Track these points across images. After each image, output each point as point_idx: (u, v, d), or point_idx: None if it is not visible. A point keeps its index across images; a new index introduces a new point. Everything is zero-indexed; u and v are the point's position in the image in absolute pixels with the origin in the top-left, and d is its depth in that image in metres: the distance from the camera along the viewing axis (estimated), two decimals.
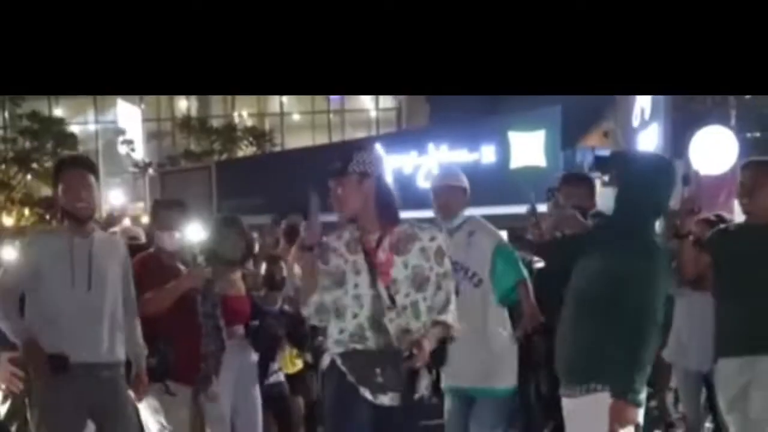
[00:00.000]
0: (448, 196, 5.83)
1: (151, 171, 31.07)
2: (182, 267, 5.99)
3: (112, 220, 7.64)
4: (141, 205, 34.77)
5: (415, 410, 4.04)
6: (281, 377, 7.43)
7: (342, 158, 4.15)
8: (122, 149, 35.55)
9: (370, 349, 3.97)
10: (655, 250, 4.46)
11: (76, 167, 5.27)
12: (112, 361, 5.11)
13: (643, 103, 21.13)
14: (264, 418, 6.84)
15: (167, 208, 6.14)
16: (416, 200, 18.55)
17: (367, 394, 3.98)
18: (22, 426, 5.93)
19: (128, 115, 34.85)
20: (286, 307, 7.14)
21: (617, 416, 4.22)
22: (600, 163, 5.29)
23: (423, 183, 20.26)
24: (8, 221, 27.18)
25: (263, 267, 7.35)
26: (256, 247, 7.31)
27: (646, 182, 4.52)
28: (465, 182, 5.90)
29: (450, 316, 4.06)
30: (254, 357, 6.49)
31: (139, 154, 35.26)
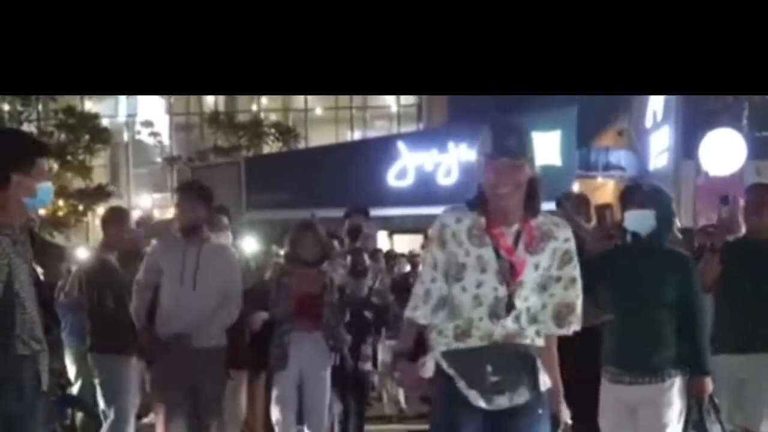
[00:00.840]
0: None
1: (180, 164, 31.69)
2: None
3: (143, 222, 7.84)
4: (167, 195, 35.43)
5: (538, 409, 3.44)
6: (369, 366, 7.67)
7: (517, 134, 3.31)
8: (150, 141, 36.21)
9: (477, 345, 3.39)
10: (690, 258, 5.01)
11: (188, 194, 6.05)
12: (206, 347, 5.82)
13: (655, 105, 21.50)
14: (346, 401, 7.37)
15: (218, 212, 6.73)
16: (437, 197, 19.12)
17: (480, 402, 3.40)
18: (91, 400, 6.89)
19: (154, 107, 35.40)
20: (374, 299, 7.60)
21: (701, 390, 4.76)
22: (637, 195, 5.50)
23: (443, 180, 20.72)
24: (43, 212, 27.77)
25: (348, 259, 7.63)
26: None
27: (671, 210, 5.06)
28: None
29: (571, 328, 3.46)
30: (324, 348, 6.65)
31: (168, 146, 35.93)
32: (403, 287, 8.53)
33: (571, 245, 3.40)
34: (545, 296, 3.40)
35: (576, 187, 21.62)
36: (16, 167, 3.65)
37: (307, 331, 6.50)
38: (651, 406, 4.66)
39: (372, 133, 33.94)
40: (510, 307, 3.33)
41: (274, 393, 6.55)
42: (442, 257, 3.41)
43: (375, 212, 19.91)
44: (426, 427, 3.78)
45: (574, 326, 3.44)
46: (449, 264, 3.39)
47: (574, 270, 3.40)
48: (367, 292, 7.48)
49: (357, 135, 34.98)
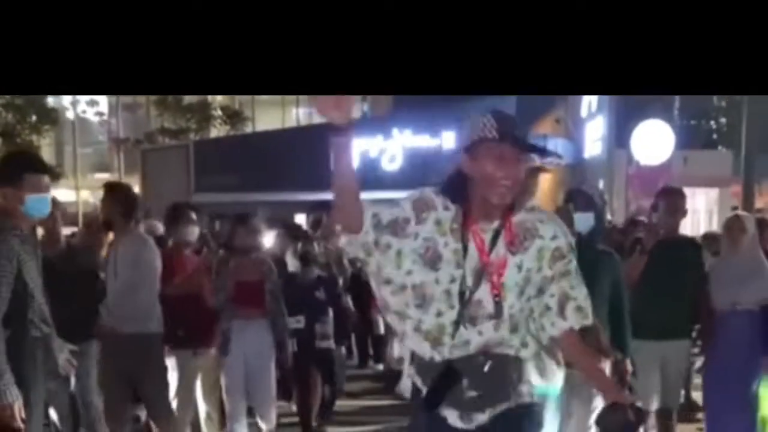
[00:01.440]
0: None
1: (128, 145, 31.59)
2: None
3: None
4: (114, 176, 35.30)
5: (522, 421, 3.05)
6: (331, 344, 7.79)
7: (517, 128, 2.86)
8: (95, 120, 35.94)
9: (449, 359, 2.96)
10: (617, 257, 5.53)
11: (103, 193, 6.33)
12: (130, 333, 6.00)
13: (590, 96, 22.09)
14: (312, 380, 7.59)
15: (189, 209, 7.09)
16: (382, 182, 19.48)
17: (457, 422, 3.01)
18: None
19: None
20: (322, 273, 7.82)
21: (624, 371, 5.27)
22: (582, 198, 5.77)
23: (388, 166, 21.07)
24: None
25: (299, 246, 7.90)
26: (265, 241, 7.86)
27: (605, 211, 5.57)
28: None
29: (576, 319, 3.02)
30: (267, 335, 6.75)
31: (114, 126, 35.74)
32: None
33: (561, 242, 2.98)
34: (546, 298, 2.99)
35: None
36: (6, 181, 4.33)
37: (248, 318, 6.62)
38: (585, 388, 4.88)
39: (318, 118, 34.04)
40: (497, 312, 2.93)
41: (223, 382, 6.69)
42: (419, 236, 2.94)
43: (321, 196, 20.31)
44: None
45: (582, 319, 3.01)
46: (425, 247, 2.93)
47: (568, 265, 2.99)
48: (315, 276, 7.68)
49: (302, 118, 35.16)
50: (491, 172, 2.82)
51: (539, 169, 4.59)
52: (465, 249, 2.92)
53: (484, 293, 2.92)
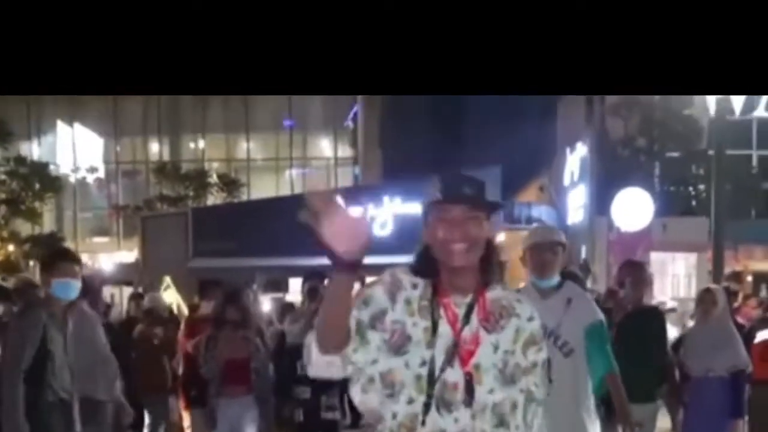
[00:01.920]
0: (548, 253, 4.73)
1: (128, 212, 32.04)
2: None
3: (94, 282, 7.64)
4: (113, 239, 35.78)
5: None
6: (337, 415, 7.50)
7: (470, 183, 2.61)
8: (95, 187, 36.44)
9: None
10: None
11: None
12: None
13: (572, 165, 22.75)
14: None
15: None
16: (374, 247, 20.11)
17: None
18: None
19: (100, 153, 35.61)
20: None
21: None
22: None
23: (379, 231, 21.53)
24: None
25: (302, 321, 7.76)
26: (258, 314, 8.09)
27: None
28: (564, 239, 4.92)
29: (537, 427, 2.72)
30: (252, 411, 6.74)
31: (114, 192, 36.29)
32: None
33: (536, 325, 2.72)
34: (514, 391, 2.65)
35: (502, 238, 22.72)
36: (44, 268, 5.29)
37: (234, 396, 6.63)
38: None
39: (309, 178, 34.87)
40: (470, 395, 2.60)
41: None
42: (386, 323, 2.63)
43: (314, 261, 20.73)
44: None
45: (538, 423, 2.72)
46: (392, 331, 2.63)
47: (538, 354, 2.70)
48: None
49: (297, 184, 35.75)
50: (441, 236, 2.58)
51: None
52: (435, 326, 2.63)
53: (456, 374, 2.61)
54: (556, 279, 4.80)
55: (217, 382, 6.63)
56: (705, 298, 6.85)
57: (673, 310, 8.55)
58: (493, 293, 2.71)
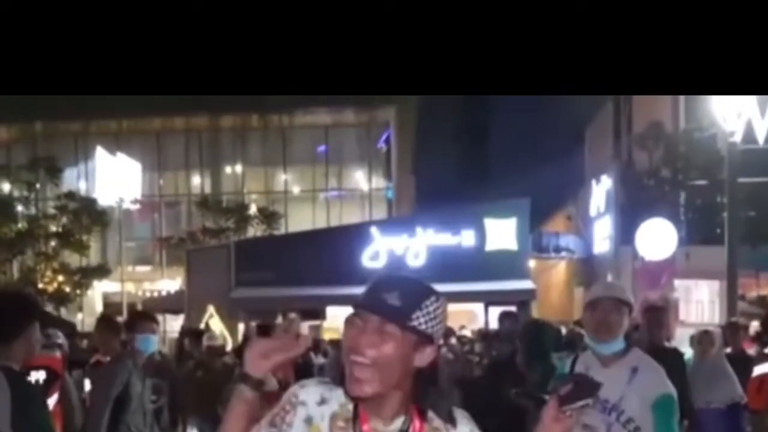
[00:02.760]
0: (610, 313, 4.01)
1: (172, 243, 32.88)
2: None
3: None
4: (153, 268, 36.95)
5: None
6: None
7: (402, 293, 2.07)
8: (138, 218, 37.38)
9: None
10: None
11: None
12: None
13: (598, 198, 23.24)
14: None
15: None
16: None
17: None
18: None
19: (144, 187, 36.46)
20: None
21: None
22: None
23: (413, 262, 22.13)
24: (49, 287, 29.21)
25: None
26: None
27: None
28: (631, 299, 4.15)
29: None
30: None
31: (157, 223, 37.23)
32: None
33: None
34: None
35: (531, 265, 23.24)
36: (128, 326, 6.20)
37: None
38: None
39: (346, 213, 35.50)
40: None
41: None
42: None
43: (351, 291, 21.32)
44: None
45: None
46: None
47: None
48: None
49: (333, 214, 36.43)
50: (345, 347, 2.10)
51: None
52: None
53: None
54: (619, 344, 4.05)
55: None
56: (703, 340, 7.64)
57: None
58: (429, 416, 2.17)
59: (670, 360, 7.06)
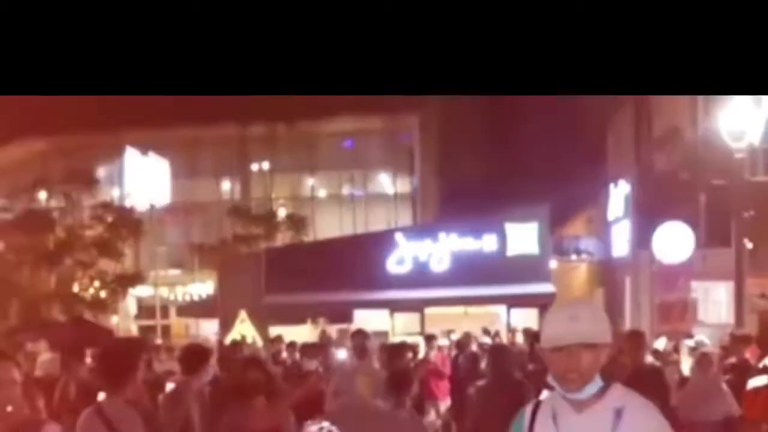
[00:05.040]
0: (580, 357, 2.84)
1: (204, 250, 33.59)
2: None
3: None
4: (184, 272, 37.59)
5: None
6: None
7: None
8: (169, 223, 38.08)
9: None
10: None
11: None
12: None
13: (616, 203, 23.56)
14: None
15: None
16: (431, 281, 21.09)
17: None
18: None
19: (175, 193, 37.07)
20: None
21: None
22: None
23: (436, 267, 22.57)
24: (86, 294, 30.01)
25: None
26: None
27: None
28: (608, 333, 3.01)
29: None
30: None
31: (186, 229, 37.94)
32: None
33: None
34: None
35: (553, 267, 23.60)
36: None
37: None
38: None
39: (372, 216, 36.11)
40: None
41: None
42: None
43: (378, 295, 21.87)
44: None
45: None
46: None
47: None
48: None
49: (359, 218, 36.98)
50: None
51: None
52: None
53: None
54: (596, 384, 2.92)
55: None
56: (703, 361, 8.36)
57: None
58: None
59: (651, 378, 7.46)
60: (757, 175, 19.66)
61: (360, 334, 8.58)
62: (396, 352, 9.84)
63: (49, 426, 3.97)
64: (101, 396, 5.17)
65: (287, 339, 13.42)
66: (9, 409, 3.79)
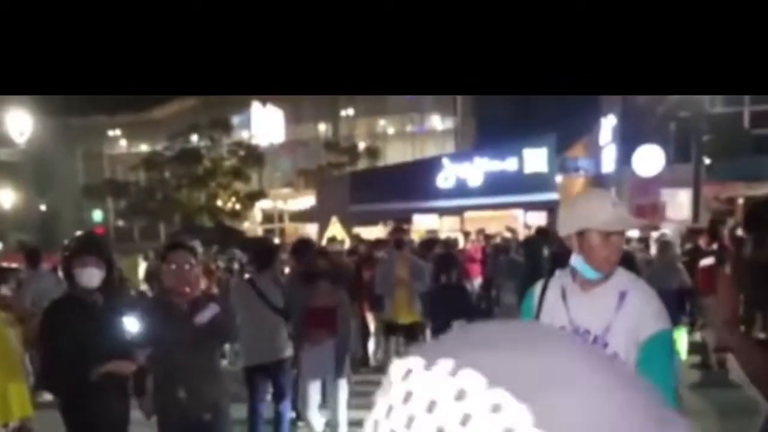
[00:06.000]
0: (620, 246, 2.31)
1: (308, 174, 34.11)
2: None
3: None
4: (292, 190, 36.96)
5: None
6: None
7: None
8: (278, 154, 38.66)
9: None
10: None
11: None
12: None
13: (606, 132, 22.95)
14: None
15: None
16: (469, 193, 21.12)
17: None
18: None
19: (280, 132, 37.46)
20: None
21: None
22: None
23: (472, 183, 22.34)
24: (225, 207, 30.78)
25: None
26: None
27: None
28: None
29: None
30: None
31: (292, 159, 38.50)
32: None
33: None
34: None
35: (558, 181, 23.27)
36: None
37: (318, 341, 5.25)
38: None
39: (426, 146, 36.01)
40: None
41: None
42: None
43: (430, 204, 21.93)
44: None
45: None
46: None
47: None
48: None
49: (416, 147, 36.84)
50: None
51: None
52: None
53: None
54: None
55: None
56: (664, 246, 8.13)
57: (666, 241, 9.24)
58: None
59: (625, 260, 7.45)
60: (716, 108, 19.05)
61: (397, 230, 8.31)
62: (426, 244, 9.95)
63: (212, 304, 3.85)
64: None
65: (364, 236, 13.72)
66: (187, 289, 3.76)
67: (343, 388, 5.26)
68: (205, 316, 3.74)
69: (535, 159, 21.63)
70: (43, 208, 35.34)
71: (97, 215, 37.69)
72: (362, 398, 4.80)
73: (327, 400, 5.36)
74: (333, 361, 5.13)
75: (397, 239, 7.85)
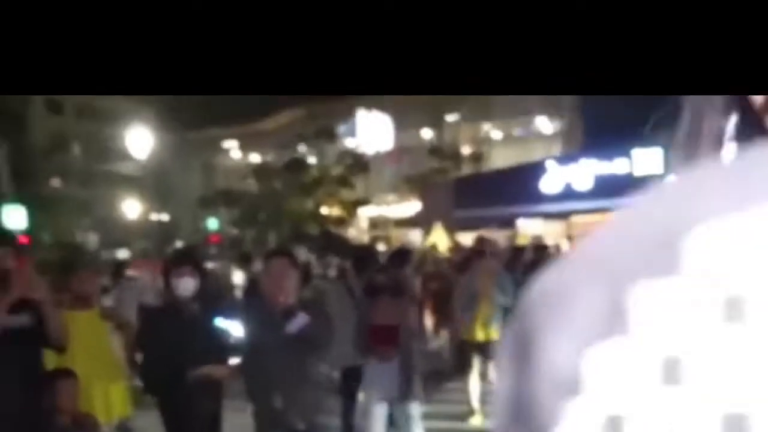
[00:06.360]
0: None
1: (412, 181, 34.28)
2: None
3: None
4: (396, 196, 37.47)
5: None
6: None
7: None
8: (385, 161, 39.11)
9: None
10: None
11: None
12: None
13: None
14: None
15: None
16: (577, 198, 20.54)
17: None
18: None
19: (385, 138, 37.74)
20: None
21: None
22: None
23: (579, 187, 21.82)
24: (331, 214, 31.45)
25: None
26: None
27: None
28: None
29: None
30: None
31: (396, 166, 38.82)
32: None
33: None
34: None
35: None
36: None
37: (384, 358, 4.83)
38: None
39: (532, 150, 35.39)
40: None
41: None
42: None
43: (535, 208, 21.53)
44: None
45: None
46: None
47: None
48: None
49: (521, 152, 36.30)
50: None
51: None
52: None
53: None
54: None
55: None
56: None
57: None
58: None
59: None
60: None
61: (479, 240, 7.56)
62: (514, 252, 9.51)
63: (302, 314, 3.81)
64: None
65: (468, 242, 13.60)
66: (281, 297, 3.73)
67: (413, 412, 4.78)
68: (294, 325, 3.76)
69: (648, 159, 20.28)
70: (163, 217, 37.55)
71: (213, 224, 39.60)
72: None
73: (395, 426, 4.86)
74: (398, 382, 4.69)
75: (477, 249, 7.28)
